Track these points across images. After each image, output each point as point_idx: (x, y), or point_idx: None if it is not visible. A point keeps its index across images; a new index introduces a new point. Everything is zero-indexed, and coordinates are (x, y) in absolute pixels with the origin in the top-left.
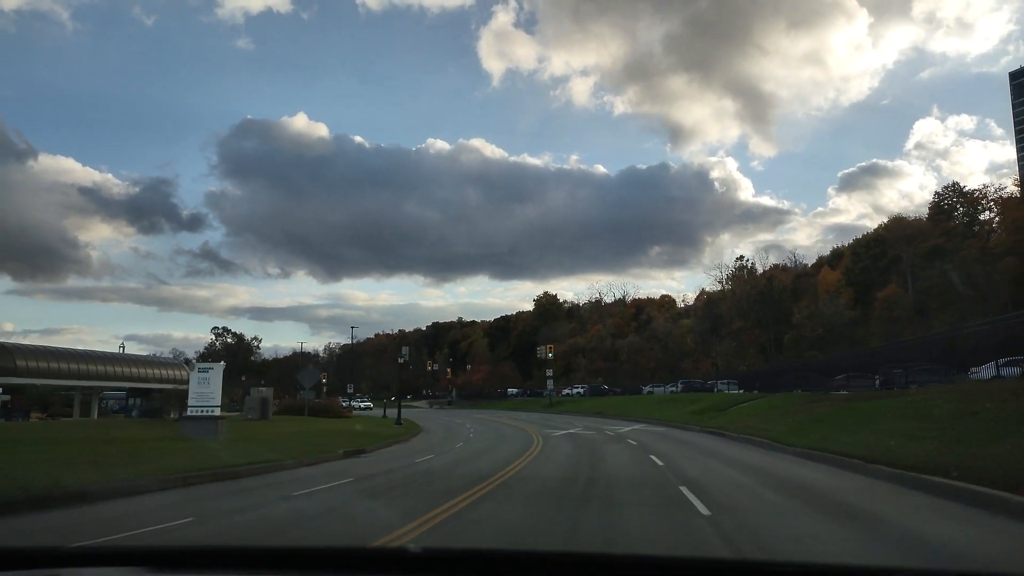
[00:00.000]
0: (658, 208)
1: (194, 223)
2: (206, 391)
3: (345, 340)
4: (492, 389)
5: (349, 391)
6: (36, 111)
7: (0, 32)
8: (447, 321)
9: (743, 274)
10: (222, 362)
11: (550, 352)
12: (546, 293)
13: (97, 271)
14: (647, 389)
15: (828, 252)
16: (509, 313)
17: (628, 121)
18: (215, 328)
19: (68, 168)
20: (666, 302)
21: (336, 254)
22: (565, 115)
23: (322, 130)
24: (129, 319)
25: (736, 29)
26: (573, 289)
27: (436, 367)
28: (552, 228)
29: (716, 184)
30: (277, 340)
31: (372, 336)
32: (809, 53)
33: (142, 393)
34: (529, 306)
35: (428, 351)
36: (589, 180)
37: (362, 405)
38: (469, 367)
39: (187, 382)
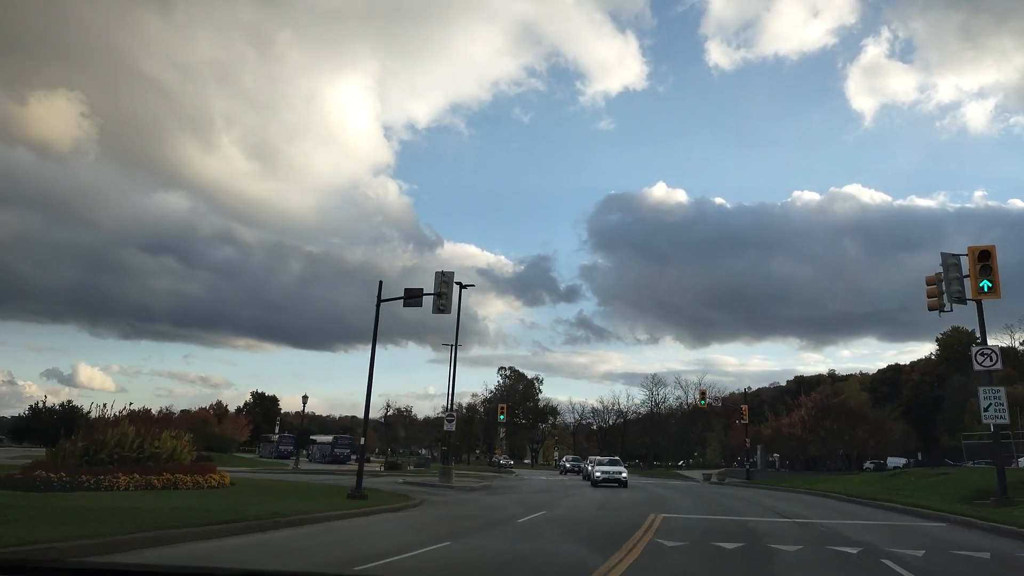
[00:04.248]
0: None
1: (570, 295)
2: None
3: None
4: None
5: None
6: (442, 207)
7: (416, 146)
8: (813, 374)
9: None
10: None
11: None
12: (955, 329)
13: (493, 341)
14: None
15: None
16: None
17: None
18: (501, 368)
19: (469, 253)
20: None
21: (702, 318)
22: (959, 146)
23: (681, 196)
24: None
25: None
26: None
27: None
28: None
29: None
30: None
31: (727, 395)
32: None
33: None
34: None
35: (787, 410)
36: (1002, 218)
37: (597, 472)
38: (783, 417)
39: None
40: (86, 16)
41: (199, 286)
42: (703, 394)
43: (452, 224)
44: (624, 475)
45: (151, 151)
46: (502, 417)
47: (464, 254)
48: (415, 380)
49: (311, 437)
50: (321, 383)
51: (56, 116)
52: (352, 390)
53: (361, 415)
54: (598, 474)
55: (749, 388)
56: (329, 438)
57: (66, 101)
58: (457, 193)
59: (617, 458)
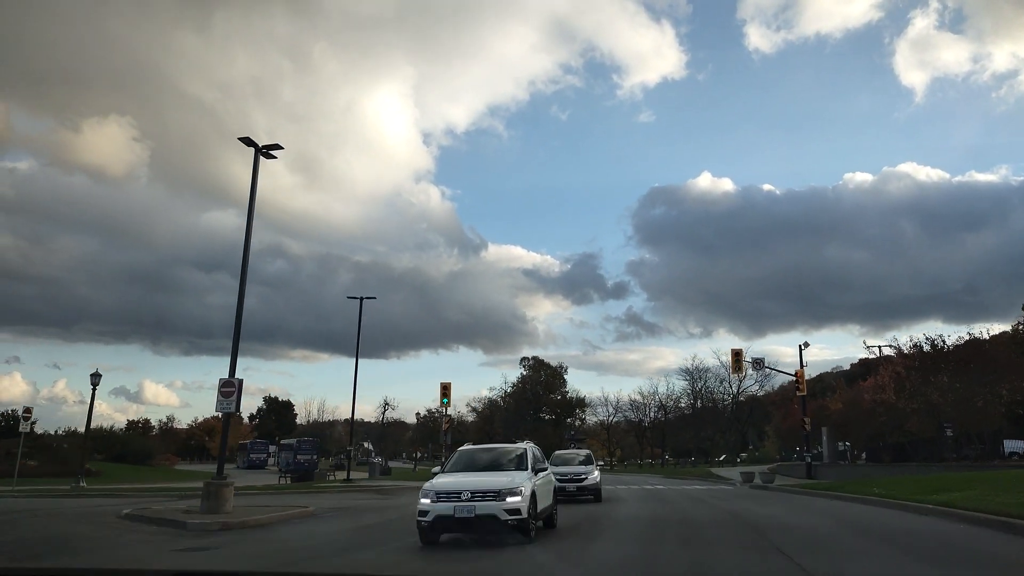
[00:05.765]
0: None
1: (618, 291)
2: None
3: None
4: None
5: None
6: (485, 210)
7: (456, 151)
8: (879, 356)
9: None
10: None
11: None
12: None
13: (543, 341)
14: None
15: None
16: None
17: None
18: (524, 358)
19: (515, 255)
20: None
21: (755, 309)
22: (1019, 116)
23: (727, 185)
24: (574, 383)
25: None
26: None
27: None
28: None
29: None
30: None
31: (785, 384)
32: None
33: None
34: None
35: (866, 374)
36: None
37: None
38: (860, 382)
39: None
40: (130, 41)
41: (252, 300)
42: (737, 355)
43: (496, 226)
44: (592, 471)
45: (199, 170)
46: (445, 400)
47: (510, 256)
48: (468, 384)
49: (282, 442)
50: (373, 390)
51: (109, 141)
52: (406, 395)
53: (413, 419)
54: (431, 504)
55: (806, 344)
56: (292, 442)
57: (117, 127)
58: (499, 195)
59: (584, 452)
